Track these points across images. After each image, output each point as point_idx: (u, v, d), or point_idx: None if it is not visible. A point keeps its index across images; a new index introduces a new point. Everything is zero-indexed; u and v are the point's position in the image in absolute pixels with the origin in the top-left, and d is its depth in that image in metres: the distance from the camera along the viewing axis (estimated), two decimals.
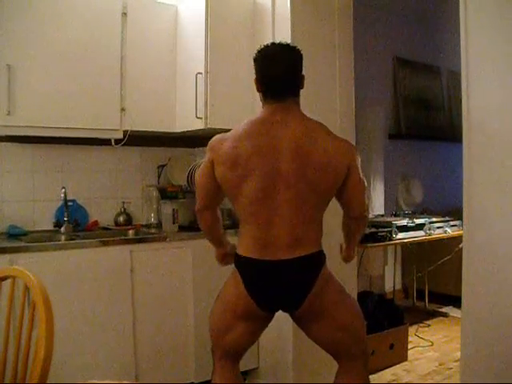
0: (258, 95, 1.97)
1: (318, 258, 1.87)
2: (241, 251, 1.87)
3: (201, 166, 1.93)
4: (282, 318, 2.10)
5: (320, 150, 1.80)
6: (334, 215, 2.56)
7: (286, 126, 1.82)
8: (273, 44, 1.93)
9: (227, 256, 2.06)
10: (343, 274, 2.87)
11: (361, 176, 1.88)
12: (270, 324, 2.01)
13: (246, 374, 2.93)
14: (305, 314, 1.89)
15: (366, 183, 1.91)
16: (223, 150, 1.83)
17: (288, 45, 1.90)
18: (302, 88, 1.92)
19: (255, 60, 1.91)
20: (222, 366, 2.01)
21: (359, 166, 1.88)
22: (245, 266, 1.86)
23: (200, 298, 2.68)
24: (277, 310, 1.92)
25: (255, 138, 1.82)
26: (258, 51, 1.90)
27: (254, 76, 1.94)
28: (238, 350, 1.99)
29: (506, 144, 1.94)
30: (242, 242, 1.88)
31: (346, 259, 2.13)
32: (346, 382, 1.94)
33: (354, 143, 2.95)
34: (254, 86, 1.97)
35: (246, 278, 1.85)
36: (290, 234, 1.81)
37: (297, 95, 1.91)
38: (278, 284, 1.83)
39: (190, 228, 3.02)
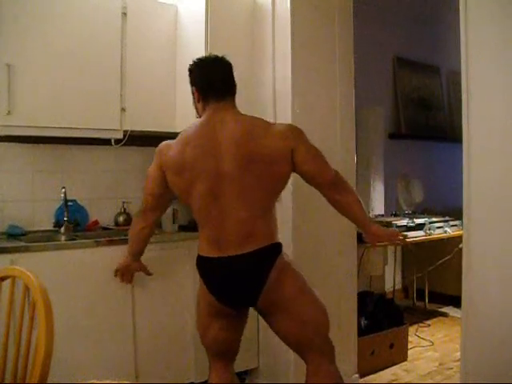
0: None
1: (271, 251, 1.89)
2: (199, 251, 1.96)
3: (149, 170, 2.03)
4: None
5: (260, 144, 1.86)
6: (332, 217, 2.56)
7: (226, 127, 1.90)
8: (205, 56, 2.08)
9: (129, 271, 2.32)
10: (343, 274, 2.88)
11: (309, 147, 1.93)
12: None
13: (246, 374, 2.93)
14: (264, 308, 1.92)
15: (318, 150, 1.95)
16: (170, 155, 1.93)
17: (220, 56, 2.03)
18: (234, 94, 2.02)
19: (193, 70, 2.02)
20: (214, 367, 2.08)
21: (305, 141, 1.93)
22: (201, 264, 1.95)
23: None
24: (239, 306, 1.95)
25: (198, 141, 1.90)
26: (195, 63, 2.02)
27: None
28: (220, 348, 2.04)
29: (506, 144, 1.94)
30: (200, 243, 1.97)
31: (372, 235, 1.99)
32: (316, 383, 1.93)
33: (353, 143, 2.97)
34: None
35: (203, 276, 1.95)
36: (239, 231, 1.86)
37: (233, 97, 2.00)
38: (229, 280, 1.89)
39: (189, 228, 3.02)
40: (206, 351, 2.10)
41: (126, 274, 2.33)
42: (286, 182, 1.97)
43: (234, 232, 1.85)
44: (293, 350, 2.02)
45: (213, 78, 1.98)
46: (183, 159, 1.88)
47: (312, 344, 1.95)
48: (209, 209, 1.88)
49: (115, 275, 2.33)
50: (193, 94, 2.03)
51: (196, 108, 2.05)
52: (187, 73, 2.80)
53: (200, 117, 2.02)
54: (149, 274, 2.38)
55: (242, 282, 1.88)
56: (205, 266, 1.94)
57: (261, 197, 1.88)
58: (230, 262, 1.86)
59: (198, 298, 2.05)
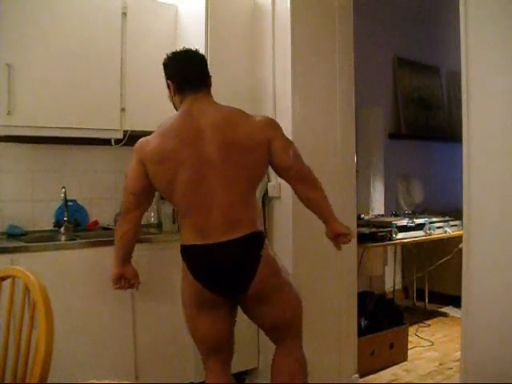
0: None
1: (255, 239, 1.91)
2: (183, 241, 1.95)
3: (129, 168, 2.01)
4: None
5: (240, 132, 1.91)
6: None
7: (206, 115, 1.93)
8: (178, 50, 2.09)
9: (123, 279, 2.18)
10: (343, 273, 2.88)
11: (285, 140, 2.00)
12: None
13: (246, 374, 2.93)
14: (253, 297, 1.93)
15: (293, 144, 2.02)
16: (150, 147, 1.92)
17: (193, 49, 2.10)
18: (210, 86, 2.08)
19: (167, 64, 2.04)
20: (210, 368, 2.05)
21: (282, 134, 2.00)
22: (186, 253, 1.93)
23: None
24: (228, 294, 1.95)
25: (179, 130, 1.92)
26: (169, 57, 2.05)
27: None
28: (214, 343, 2.01)
29: (506, 144, 1.94)
30: (183, 233, 1.95)
31: (338, 234, 2.08)
32: (287, 365, 2.03)
33: (353, 143, 2.97)
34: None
35: (189, 265, 1.92)
36: (223, 218, 1.87)
37: (209, 89, 2.06)
38: (215, 267, 1.89)
39: None
40: (199, 351, 2.06)
41: (124, 281, 2.20)
42: (264, 171, 2.04)
43: (218, 219, 1.86)
44: (269, 335, 2.06)
45: (188, 71, 2.02)
46: (164, 149, 1.89)
47: (289, 329, 2.04)
48: (193, 196, 1.88)
49: (115, 288, 2.18)
50: (168, 87, 2.06)
51: (172, 102, 2.08)
52: None
53: (177, 110, 2.05)
54: (137, 285, 2.23)
55: (228, 269, 1.88)
56: (190, 253, 1.93)
57: (242, 184, 1.91)
58: (215, 248, 1.87)
59: (184, 293, 2.01)
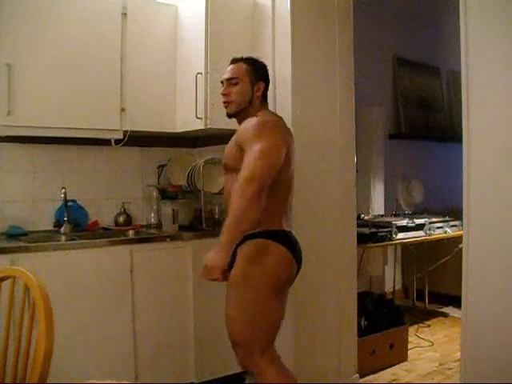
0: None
1: None
2: (280, 226, 2.02)
3: (274, 142, 1.90)
4: None
5: None
6: (332, 217, 2.55)
7: None
8: None
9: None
10: (343, 273, 2.88)
11: None
12: None
13: (246, 373, 2.93)
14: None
15: None
16: (289, 134, 2.08)
17: None
18: None
19: (265, 69, 2.19)
20: (273, 356, 2.00)
21: None
22: (287, 237, 2.03)
23: (200, 298, 2.68)
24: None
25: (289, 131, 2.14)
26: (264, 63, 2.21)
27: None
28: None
29: (506, 144, 1.94)
30: (275, 220, 2.01)
31: None
32: None
33: (353, 143, 2.99)
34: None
35: (292, 248, 2.01)
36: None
37: None
38: (300, 251, 2.09)
39: (190, 228, 3.03)
40: (264, 339, 1.96)
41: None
42: None
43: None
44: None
45: None
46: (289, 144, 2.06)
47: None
48: (292, 190, 2.09)
49: (222, 278, 1.86)
50: (252, 84, 2.12)
51: (251, 94, 2.12)
52: (187, 73, 2.84)
53: (247, 103, 2.11)
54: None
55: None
56: (290, 237, 2.05)
57: None
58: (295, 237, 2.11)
59: (270, 276, 1.93)
